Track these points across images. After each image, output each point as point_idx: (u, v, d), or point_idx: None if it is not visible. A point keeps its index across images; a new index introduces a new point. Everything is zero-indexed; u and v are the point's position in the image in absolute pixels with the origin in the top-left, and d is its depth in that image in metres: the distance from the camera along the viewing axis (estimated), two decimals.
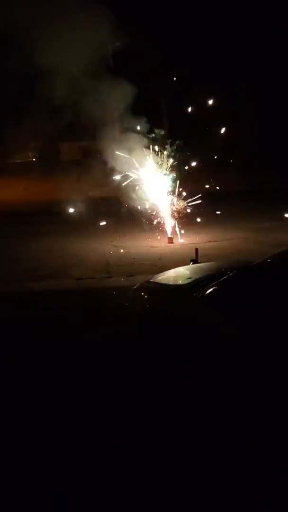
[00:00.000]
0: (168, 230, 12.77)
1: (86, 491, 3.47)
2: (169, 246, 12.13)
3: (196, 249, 7.94)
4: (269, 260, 4.56)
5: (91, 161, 14.73)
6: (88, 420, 4.36)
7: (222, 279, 4.50)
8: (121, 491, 3.44)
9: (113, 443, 3.94)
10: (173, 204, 12.82)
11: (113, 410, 4.45)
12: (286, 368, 3.75)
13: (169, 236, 12.62)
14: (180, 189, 13.06)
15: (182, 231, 12.75)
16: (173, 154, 13.24)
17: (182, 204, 12.82)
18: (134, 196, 12.86)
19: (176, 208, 12.76)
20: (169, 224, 12.82)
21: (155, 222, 13.00)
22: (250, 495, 3.32)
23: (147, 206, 12.95)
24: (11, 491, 3.54)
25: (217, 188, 17.15)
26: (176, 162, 13.30)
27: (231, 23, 28.22)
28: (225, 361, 4.34)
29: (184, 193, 13.13)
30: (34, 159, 65.26)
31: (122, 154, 12.40)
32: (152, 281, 5.70)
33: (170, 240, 12.48)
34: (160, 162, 12.93)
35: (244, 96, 28.44)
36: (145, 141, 12.91)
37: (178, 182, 13.05)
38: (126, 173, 12.66)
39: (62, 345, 6.07)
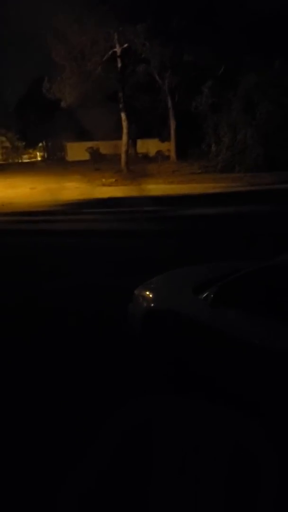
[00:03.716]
0: None
1: (87, 490, 3.49)
2: None
3: None
4: (277, 262, 4.56)
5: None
6: (89, 417, 4.39)
7: (227, 280, 4.52)
8: (123, 490, 3.46)
9: (115, 441, 3.97)
10: None
11: (115, 407, 4.48)
12: None
13: None
14: None
15: None
16: None
17: None
18: None
19: None
20: None
21: None
22: (251, 494, 3.33)
23: None
24: (11, 490, 3.57)
25: None
26: None
27: None
28: (230, 362, 4.36)
29: None
30: (41, 159, 65.75)
31: None
32: (155, 281, 5.74)
33: None
34: None
35: None
36: None
37: None
38: None
39: (61, 344, 6.11)
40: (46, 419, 4.46)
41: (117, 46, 36.13)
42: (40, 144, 74.31)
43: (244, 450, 3.72)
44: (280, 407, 3.96)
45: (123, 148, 38.35)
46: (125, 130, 37.94)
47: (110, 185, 29.94)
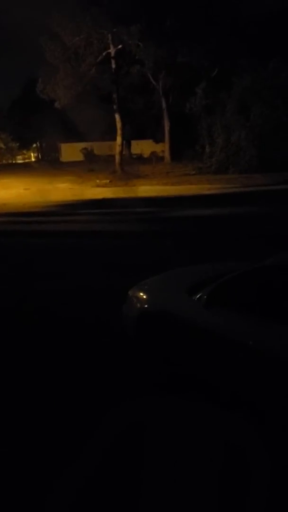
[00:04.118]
0: None
1: (83, 488, 3.48)
2: None
3: None
4: (270, 262, 4.56)
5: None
6: (85, 416, 4.37)
7: (221, 281, 4.51)
8: (119, 489, 3.45)
9: (107, 443, 3.96)
10: None
11: (111, 407, 4.47)
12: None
13: None
14: None
15: None
16: None
17: None
18: None
19: None
20: None
21: None
22: (246, 495, 3.32)
23: None
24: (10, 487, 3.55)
25: None
26: None
27: None
28: (224, 363, 4.34)
29: None
30: (35, 160, 65.65)
31: None
32: (149, 282, 5.73)
33: None
34: None
35: None
36: None
37: None
38: None
39: (51, 346, 6.08)
40: (39, 421, 4.42)
41: (111, 47, 36.13)
42: (34, 145, 74.26)
43: (236, 450, 3.72)
44: (275, 407, 3.96)
45: (117, 149, 38.34)
46: (119, 131, 37.93)
47: (104, 186, 29.93)
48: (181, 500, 3.36)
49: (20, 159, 73.68)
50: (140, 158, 49.16)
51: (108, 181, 32.15)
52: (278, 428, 3.88)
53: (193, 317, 4.59)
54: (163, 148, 46.66)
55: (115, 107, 37.74)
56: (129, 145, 51.97)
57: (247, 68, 31.67)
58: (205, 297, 4.45)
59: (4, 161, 70.01)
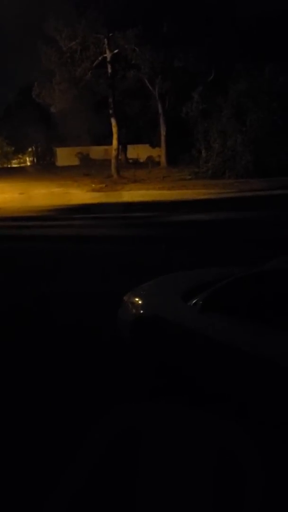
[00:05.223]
0: None
1: (77, 493, 3.43)
2: None
3: None
4: (266, 268, 4.52)
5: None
6: (79, 421, 4.33)
7: (217, 286, 4.46)
8: (114, 494, 3.40)
9: (100, 448, 3.92)
10: None
11: (106, 412, 4.42)
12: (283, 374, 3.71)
13: None
14: None
15: None
16: None
17: None
18: None
19: None
20: None
21: None
22: (241, 501, 3.29)
23: None
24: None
25: None
26: None
27: None
28: (221, 369, 4.29)
29: None
30: (30, 164, 65.62)
31: None
32: (145, 287, 5.68)
33: None
34: None
35: None
36: None
37: None
38: None
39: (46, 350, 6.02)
40: (34, 426, 4.37)
41: (107, 51, 36.14)
42: (30, 149, 74.20)
43: (231, 455, 3.69)
44: (271, 412, 3.91)
45: (113, 154, 38.31)
46: (115, 136, 37.91)
47: (99, 190, 29.89)
48: (176, 506, 3.35)
49: (15, 163, 73.64)
50: (136, 163, 49.15)
51: (103, 185, 32.11)
52: (272, 432, 3.84)
53: (188, 323, 4.55)
54: (159, 153, 46.67)
55: (111, 111, 37.73)
56: (125, 150, 51.97)
57: (243, 73, 31.71)
58: (201, 302, 4.41)
59: None
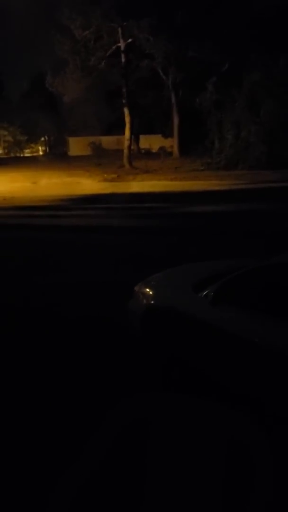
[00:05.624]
0: None
1: (84, 485, 3.44)
2: None
3: None
4: (278, 260, 4.49)
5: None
6: (88, 413, 4.35)
7: (227, 278, 4.45)
8: (121, 485, 3.42)
9: (110, 439, 3.93)
10: None
11: (115, 402, 4.44)
12: None
13: None
14: None
15: None
16: None
17: None
18: None
19: None
20: None
21: None
22: (250, 492, 3.29)
23: None
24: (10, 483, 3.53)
25: None
26: None
27: None
28: (230, 360, 4.30)
29: None
30: (43, 153, 65.60)
31: None
32: (156, 278, 5.68)
33: None
34: None
35: None
36: None
37: None
38: None
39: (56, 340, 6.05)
40: (42, 417, 4.40)
41: (121, 41, 35.96)
42: (42, 139, 74.26)
43: (240, 446, 3.68)
44: (280, 404, 3.91)
45: (126, 144, 38.21)
46: (127, 126, 37.79)
47: (112, 180, 29.86)
48: (184, 496, 3.34)
49: (28, 153, 73.75)
50: (148, 153, 49.03)
51: (116, 175, 32.07)
52: (283, 424, 3.83)
53: (199, 314, 4.54)
54: (171, 143, 46.50)
55: (124, 101, 37.59)
56: (137, 140, 51.85)
57: (257, 64, 31.44)
58: (212, 294, 4.40)
59: (12, 154, 70.13)
